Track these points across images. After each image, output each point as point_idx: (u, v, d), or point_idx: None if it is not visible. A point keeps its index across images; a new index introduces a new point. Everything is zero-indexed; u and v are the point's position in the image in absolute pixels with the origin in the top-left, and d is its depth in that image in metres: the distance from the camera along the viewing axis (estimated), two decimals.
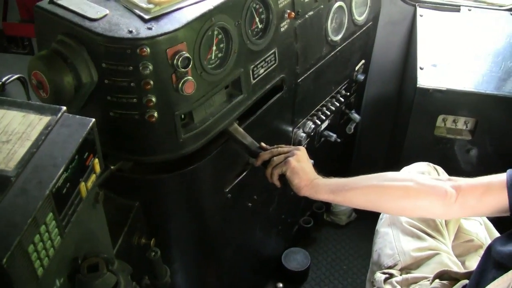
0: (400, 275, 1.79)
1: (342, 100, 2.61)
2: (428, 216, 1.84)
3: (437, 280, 1.66)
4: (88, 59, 1.44)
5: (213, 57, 1.63)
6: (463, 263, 1.86)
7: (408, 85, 2.69)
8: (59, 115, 1.12)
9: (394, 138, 3.01)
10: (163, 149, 1.62)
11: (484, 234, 1.96)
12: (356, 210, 3.17)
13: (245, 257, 2.47)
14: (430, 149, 2.54)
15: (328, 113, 2.50)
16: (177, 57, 1.45)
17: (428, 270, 1.75)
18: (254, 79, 1.83)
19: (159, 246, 1.68)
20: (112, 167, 1.60)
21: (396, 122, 3.04)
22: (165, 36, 1.43)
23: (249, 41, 1.74)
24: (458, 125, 2.46)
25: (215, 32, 1.61)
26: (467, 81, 2.37)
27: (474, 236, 1.94)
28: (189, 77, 1.51)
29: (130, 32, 1.41)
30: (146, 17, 1.46)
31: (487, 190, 1.48)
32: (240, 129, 1.84)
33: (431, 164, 2.08)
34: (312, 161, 1.82)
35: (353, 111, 2.87)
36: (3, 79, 1.51)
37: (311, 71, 2.21)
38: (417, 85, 2.34)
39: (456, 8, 2.77)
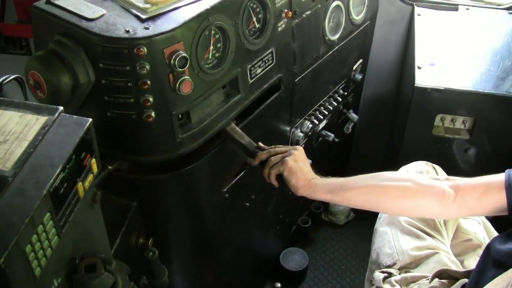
0: (399, 274, 1.79)
1: (340, 99, 2.61)
2: (426, 216, 1.84)
3: (436, 279, 1.66)
4: (85, 59, 1.44)
5: (210, 57, 1.63)
6: (461, 263, 1.86)
7: (406, 85, 2.69)
8: (56, 115, 1.12)
9: (392, 138, 3.02)
10: (161, 149, 1.62)
11: (483, 233, 1.97)
12: (354, 210, 3.17)
13: (243, 257, 2.47)
14: (428, 149, 2.54)
15: (326, 112, 2.50)
16: (174, 56, 1.45)
17: (427, 269, 1.75)
18: (251, 78, 1.83)
19: (157, 246, 1.68)
20: (109, 167, 1.60)
21: (394, 122, 3.04)
22: (162, 36, 1.43)
23: (247, 40, 1.74)
24: (456, 124, 2.46)
25: (212, 32, 1.60)
26: (465, 80, 2.37)
27: (473, 236, 1.94)
28: (186, 77, 1.51)
29: (127, 32, 1.41)
30: (143, 16, 1.46)
31: (486, 191, 1.48)
32: (238, 129, 1.84)
33: (429, 163, 2.08)
34: (310, 160, 1.82)
35: (351, 110, 2.87)
36: (0, 80, 1.51)
37: (308, 70, 2.21)
38: (415, 85, 2.33)
39: (454, 7, 2.78)
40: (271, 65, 1.91)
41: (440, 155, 2.52)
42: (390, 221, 1.94)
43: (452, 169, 1.94)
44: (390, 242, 1.88)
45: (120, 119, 1.52)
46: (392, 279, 1.77)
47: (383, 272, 1.82)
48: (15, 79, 1.55)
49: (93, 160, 1.16)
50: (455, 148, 2.52)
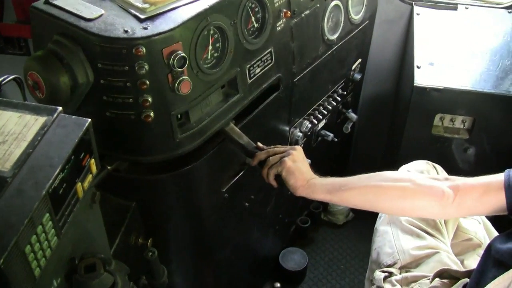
0: (400, 273, 1.79)
1: (339, 99, 2.61)
2: (426, 216, 1.84)
3: (437, 279, 1.66)
4: (84, 59, 1.43)
5: (209, 57, 1.63)
6: (461, 262, 1.86)
7: (405, 84, 2.69)
8: (55, 115, 1.12)
9: (391, 137, 3.02)
10: (160, 149, 1.62)
11: (483, 233, 1.96)
12: (354, 210, 3.17)
13: (243, 257, 2.47)
14: (427, 148, 2.54)
15: (325, 112, 2.50)
16: (173, 56, 1.45)
17: (428, 268, 1.75)
18: (250, 78, 1.83)
19: (156, 246, 1.68)
20: (108, 168, 1.60)
21: (393, 121, 3.04)
22: (161, 36, 1.43)
23: (245, 40, 1.74)
24: (456, 124, 2.47)
25: (211, 32, 1.60)
26: (465, 80, 2.37)
27: (473, 235, 1.94)
28: (185, 77, 1.51)
29: (126, 32, 1.41)
30: (142, 16, 1.46)
31: (485, 191, 1.47)
32: (236, 129, 1.84)
33: (430, 162, 2.08)
34: (309, 160, 1.82)
35: (350, 110, 2.87)
36: None
37: (307, 70, 2.21)
38: (414, 84, 2.33)
39: (453, 6, 2.77)
40: (270, 65, 1.91)
41: (440, 154, 2.52)
42: (391, 220, 1.93)
43: (451, 169, 1.94)
44: (391, 242, 1.88)
45: (119, 119, 1.52)
46: (393, 278, 1.77)
47: (383, 271, 1.82)
48: (14, 79, 1.55)
49: (92, 161, 1.16)
50: (455, 148, 2.52)
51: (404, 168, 2.08)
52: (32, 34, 1.59)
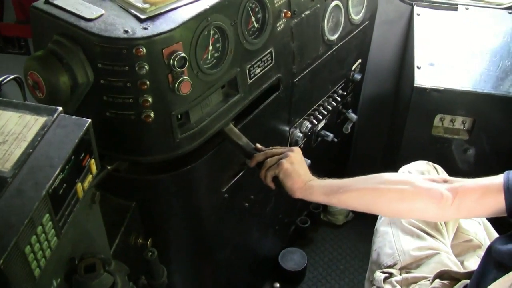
0: (400, 274, 1.78)
1: (339, 99, 2.61)
2: (424, 219, 1.84)
3: (437, 280, 1.66)
4: (84, 59, 1.43)
5: (209, 57, 1.63)
6: (461, 263, 1.86)
7: (405, 84, 2.69)
8: (55, 115, 1.12)
9: (391, 138, 3.01)
10: (160, 149, 1.62)
11: (483, 234, 1.96)
12: (353, 210, 3.17)
13: (242, 257, 2.47)
14: (427, 149, 2.53)
15: (325, 112, 2.50)
16: (173, 57, 1.45)
17: (428, 269, 1.75)
18: (250, 78, 1.83)
19: (156, 246, 1.68)
20: (108, 168, 1.59)
21: (393, 122, 3.04)
22: (161, 36, 1.43)
23: (246, 40, 1.74)
24: (456, 124, 2.46)
25: (211, 32, 1.60)
26: (465, 80, 2.37)
27: (473, 236, 1.94)
28: (185, 77, 1.51)
29: (126, 32, 1.41)
30: (142, 17, 1.46)
31: (484, 193, 1.46)
32: (236, 130, 1.83)
33: (430, 163, 2.07)
34: (309, 161, 1.81)
35: (350, 110, 2.87)
36: None
37: (307, 70, 2.21)
38: (414, 84, 2.33)
39: (453, 7, 2.77)
40: (270, 65, 1.91)
41: (439, 155, 2.51)
42: (391, 221, 1.93)
43: (451, 170, 1.94)
44: (391, 242, 1.88)
45: (119, 119, 1.52)
46: (393, 279, 1.77)
47: (384, 272, 1.82)
48: (14, 79, 1.55)
49: (92, 161, 1.16)
50: (454, 148, 2.52)
51: (404, 168, 2.07)
52: (32, 34, 1.59)
